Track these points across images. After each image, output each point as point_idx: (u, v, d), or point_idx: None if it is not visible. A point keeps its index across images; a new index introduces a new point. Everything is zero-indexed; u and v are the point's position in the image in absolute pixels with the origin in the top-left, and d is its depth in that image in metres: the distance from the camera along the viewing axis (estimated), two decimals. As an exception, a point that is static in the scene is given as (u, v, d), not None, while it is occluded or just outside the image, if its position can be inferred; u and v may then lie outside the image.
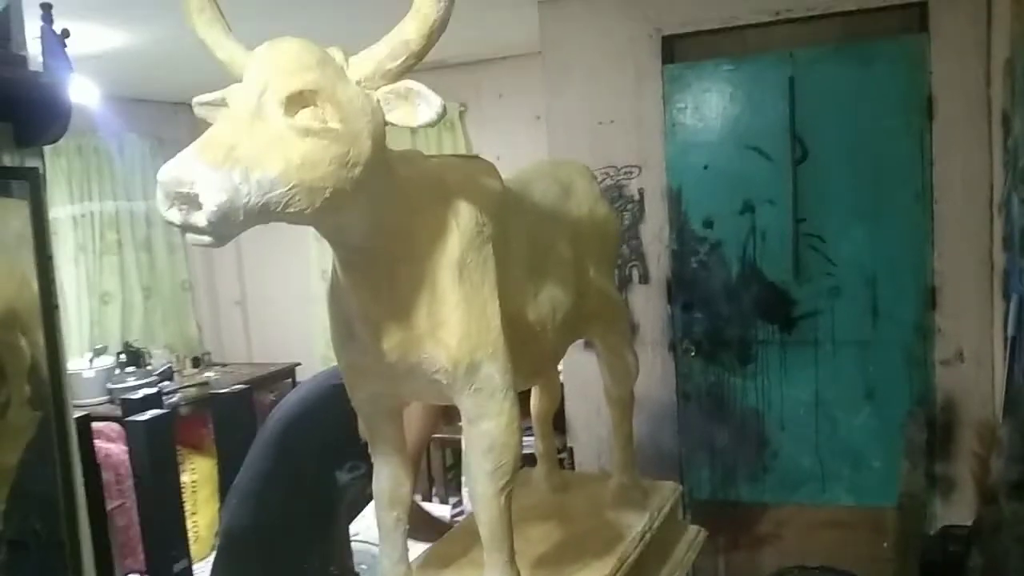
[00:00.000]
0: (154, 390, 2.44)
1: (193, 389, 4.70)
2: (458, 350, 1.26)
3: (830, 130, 3.04)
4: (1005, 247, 2.73)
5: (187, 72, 4.38)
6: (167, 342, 5.32)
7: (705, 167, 3.22)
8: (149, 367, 4.84)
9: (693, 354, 3.32)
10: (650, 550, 1.72)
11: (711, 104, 3.21)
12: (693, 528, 2.00)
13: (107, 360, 4.66)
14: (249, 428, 2.41)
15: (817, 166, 3.07)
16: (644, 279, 3.31)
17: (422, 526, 1.46)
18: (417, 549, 1.65)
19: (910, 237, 3.02)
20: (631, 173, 3.34)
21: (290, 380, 5.34)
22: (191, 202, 0.97)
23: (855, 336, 3.11)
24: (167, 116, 5.34)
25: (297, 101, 1.05)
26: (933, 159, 2.95)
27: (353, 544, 2.44)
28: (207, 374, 5.09)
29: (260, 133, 1.02)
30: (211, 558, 2.65)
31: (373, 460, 1.46)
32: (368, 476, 2.07)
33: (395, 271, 1.24)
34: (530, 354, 1.46)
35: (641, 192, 3.33)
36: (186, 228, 0.99)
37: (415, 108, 1.11)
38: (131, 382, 4.48)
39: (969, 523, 2.52)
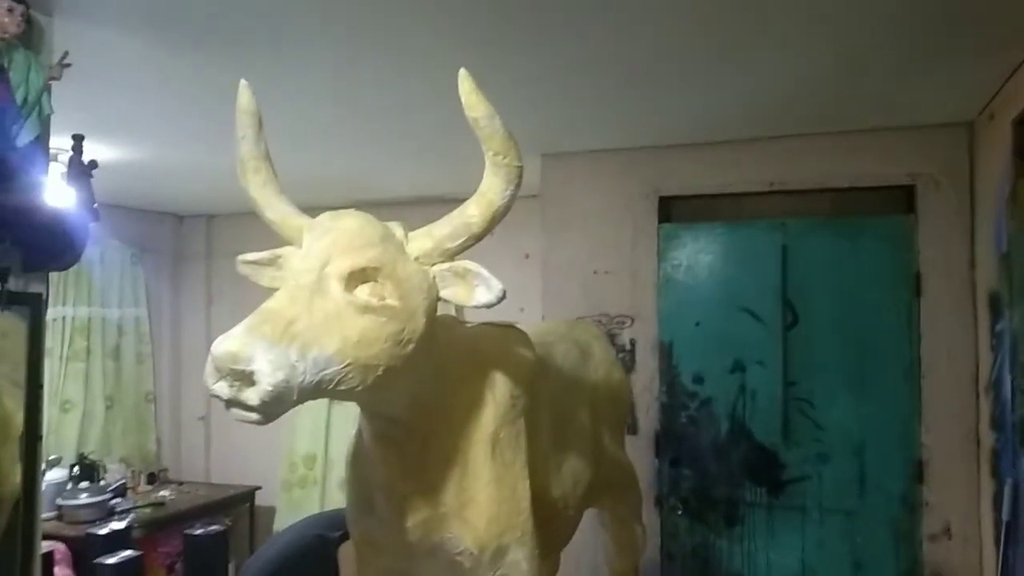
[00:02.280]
0: (122, 525, 2.29)
1: (148, 509, 4.46)
2: (486, 532, 1.22)
3: (821, 299, 3.12)
4: (993, 427, 2.76)
5: (173, 183, 4.44)
6: (124, 455, 5.08)
7: (697, 324, 3.27)
8: (103, 482, 4.60)
9: (680, 512, 3.25)
10: None
11: (705, 264, 3.28)
12: None
13: (60, 473, 4.42)
14: (221, 570, 2.27)
15: (807, 332, 3.12)
16: (632, 430, 3.28)
17: None
18: None
19: (898, 409, 3.04)
20: (623, 323, 3.37)
21: (248, 505, 5.11)
22: (244, 378, 0.93)
23: (842, 505, 3.08)
24: (150, 224, 5.34)
25: (358, 277, 1.04)
26: (920, 334, 3.02)
27: None
28: (162, 493, 4.84)
29: (319, 308, 1.00)
30: None
31: (376, 639, 1.36)
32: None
33: (428, 444, 1.21)
34: (550, 533, 1.41)
35: (633, 342, 3.35)
36: (234, 404, 0.96)
37: (472, 288, 1.11)
38: (83, 498, 4.23)
39: None
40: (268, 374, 0.92)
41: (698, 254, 3.30)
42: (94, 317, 4.97)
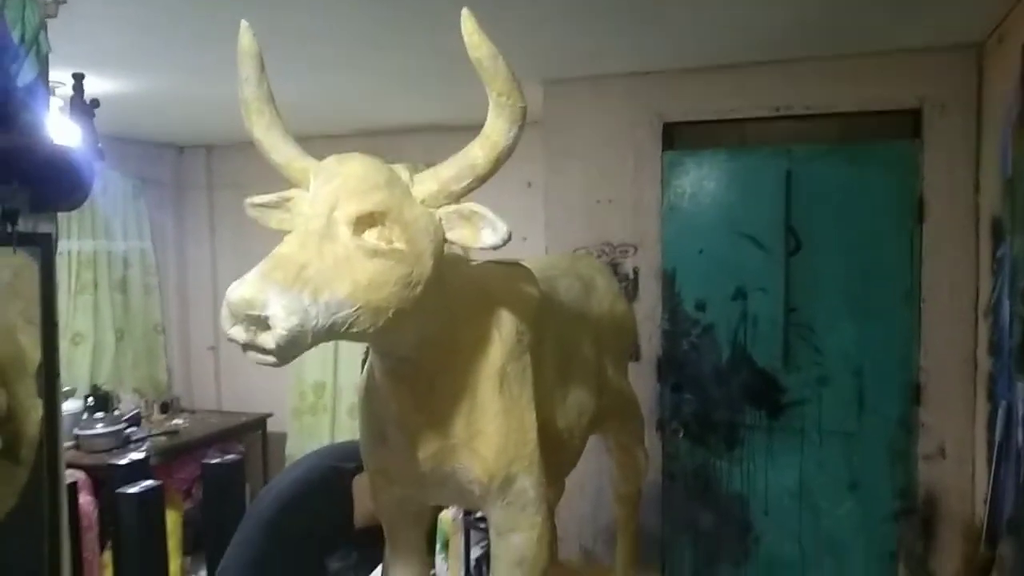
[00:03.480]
0: (141, 455, 2.37)
1: (163, 437, 4.58)
2: (495, 463, 1.26)
3: (824, 225, 3.12)
4: (991, 352, 2.81)
5: (174, 115, 4.40)
6: (136, 386, 5.19)
7: (700, 251, 3.28)
8: (117, 412, 4.71)
9: (681, 435, 3.33)
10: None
11: (708, 191, 3.28)
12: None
13: (75, 404, 4.53)
14: (238, 499, 2.36)
15: (810, 258, 3.14)
16: (635, 357, 3.33)
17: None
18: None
19: (897, 333, 3.09)
20: (627, 252, 3.38)
21: (260, 432, 5.24)
22: (259, 323, 0.96)
23: (841, 427, 3.15)
24: (151, 156, 5.31)
25: (366, 221, 1.06)
26: (922, 260, 3.03)
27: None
28: (176, 421, 4.96)
29: (328, 253, 1.02)
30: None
31: (391, 558, 1.43)
32: (358, 565, 2.04)
33: (437, 380, 1.25)
34: (556, 461, 1.46)
35: (636, 271, 3.37)
36: (250, 347, 0.99)
37: (477, 230, 1.12)
38: (98, 428, 4.34)
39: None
40: (282, 319, 0.95)
41: (702, 181, 3.29)
42: (99, 250, 4.99)
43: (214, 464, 2.33)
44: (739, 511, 3.29)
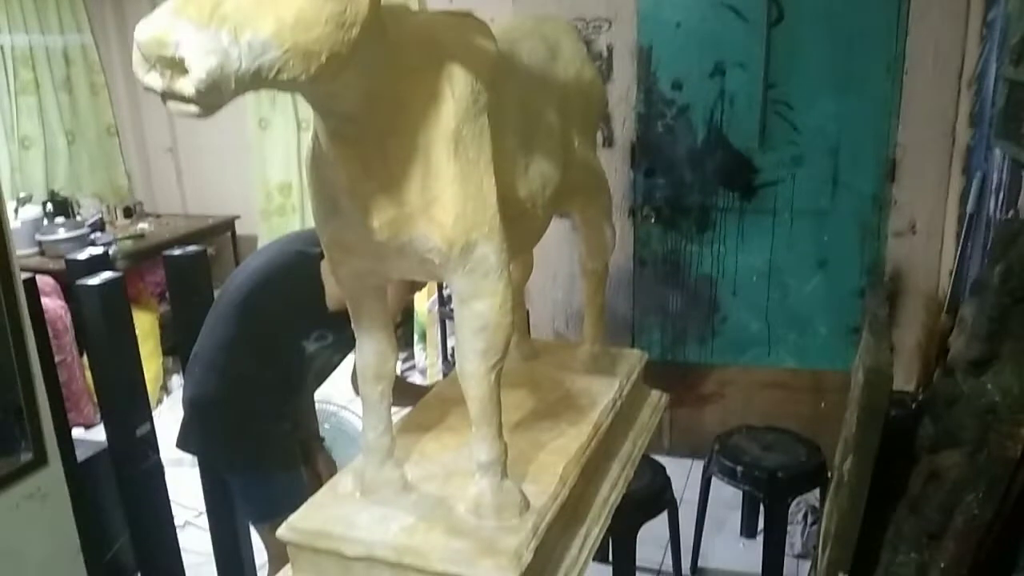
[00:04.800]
0: (100, 250, 2.29)
1: (129, 241, 4.51)
2: (453, 229, 1.20)
3: (808, -8, 2.92)
4: (972, 123, 2.73)
5: None
6: (95, 191, 5.05)
7: (678, 24, 3.08)
8: (79, 217, 4.61)
9: (653, 220, 3.31)
10: (620, 416, 1.76)
11: (687, -43, 3.02)
12: (656, 393, 2.04)
13: (34, 210, 4.41)
14: (205, 290, 2.32)
15: (792, 30, 2.97)
16: (608, 142, 3.23)
17: (395, 391, 1.44)
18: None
19: (876, 108, 2.99)
20: (600, 27, 3.17)
21: (229, 234, 5.18)
22: (175, 67, 0.84)
23: (813, 206, 3.14)
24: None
25: (289, -51, 0.91)
26: (908, 28, 2.87)
27: (317, 407, 2.44)
28: (141, 225, 4.88)
29: (247, -14, 0.88)
30: (158, 412, 2.64)
31: (356, 335, 1.41)
32: (335, 346, 2.05)
33: (387, 143, 1.15)
34: (519, 232, 1.40)
35: (610, 48, 3.18)
36: (169, 96, 0.88)
37: (421, -38, 0.98)
38: (61, 233, 4.26)
39: (908, 388, 2.68)
40: (199, 60, 0.83)
41: (680, -54, 3.03)
42: (35, 46, 4.66)
43: (177, 256, 2.26)
44: (708, 292, 3.35)
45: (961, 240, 2.62)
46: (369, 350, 1.40)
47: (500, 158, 1.27)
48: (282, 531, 1.31)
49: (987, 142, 2.47)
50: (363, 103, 1.08)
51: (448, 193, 1.18)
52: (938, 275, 3.05)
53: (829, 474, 2.52)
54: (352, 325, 1.42)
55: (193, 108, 0.88)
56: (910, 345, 3.03)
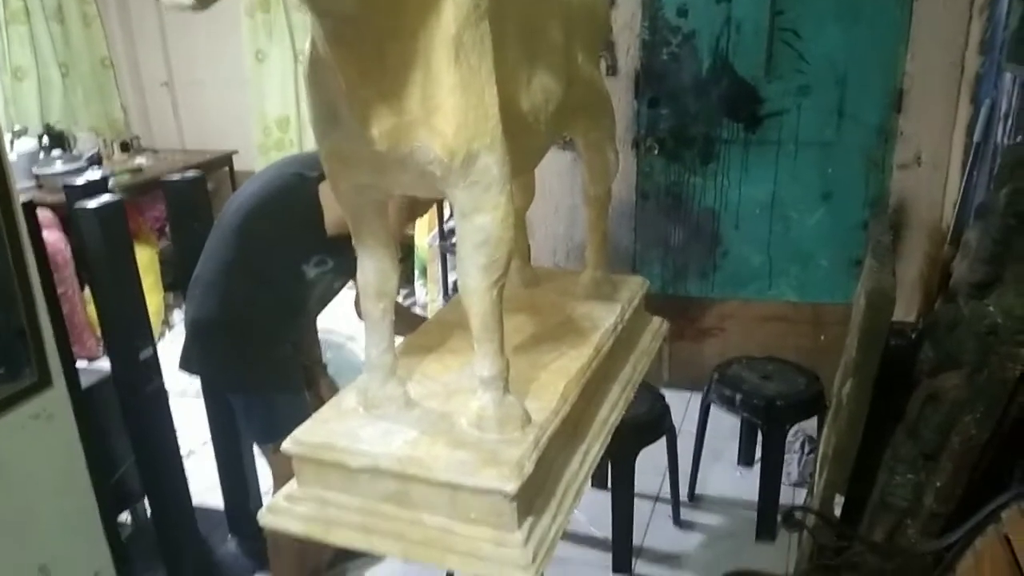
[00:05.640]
0: (97, 175, 2.26)
1: (127, 175, 4.47)
2: (455, 139, 1.17)
3: (821, -88, 2.83)
4: (982, 50, 2.68)
5: None
6: (91, 124, 4.97)
7: (684, -53, 3.00)
8: (75, 151, 4.56)
9: (656, 152, 3.26)
10: (620, 340, 1.76)
11: None
12: (656, 319, 2.04)
13: (30, 143, 4.36)
14: (204, 217, 2.31)
15: (803, -50, 2.88)
16: (612, 71, 3.17)
17: (396, 319, 1.44)
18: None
19: (886, 36, 2.92)
20: (603, -48, 3.08)
21: (227, 168, 5.13)
22: (166, -46, 0.82)
23: (818, 137, 3.09)
24: None
25: None
26: (922, -49, 2.80)
27: (320, 336, 2.44)
28: (138, 160, 4.83)
29: None
30: (161, 345, 2.65)
31: (358, 252, 1.40)
32: (336, 271, 2.04)
33: (385, 47, 1.12)
34: (521, 148, 1.38)
35: (614, -27, 3.10)
36: (159, -14, 0.85)
37: None
38: (59, 167, 4.22)
39: (909, 319, 2.67)
40: (191, -54, 0.80)
41: None
42: (24, -28, 4.54)
43: (175, 182, 2.24)
44: (710, 226, 3.32)
45: (966, 171, 2.59)
46: (370, 268, 1.39)
47: (502, 69, 1.24)
48: (287, 444, 1.33)
49: (997, 67, 2.42)
50: (360, 2, 1.05)
51: (450, 102, 1.16)
52: (942, 207, 3.03)
53: (827, 403, 2.54)
54: (353, 242, 1.41)
55: (188, 0, 0.85)
56: (912, 277, 3.02)
